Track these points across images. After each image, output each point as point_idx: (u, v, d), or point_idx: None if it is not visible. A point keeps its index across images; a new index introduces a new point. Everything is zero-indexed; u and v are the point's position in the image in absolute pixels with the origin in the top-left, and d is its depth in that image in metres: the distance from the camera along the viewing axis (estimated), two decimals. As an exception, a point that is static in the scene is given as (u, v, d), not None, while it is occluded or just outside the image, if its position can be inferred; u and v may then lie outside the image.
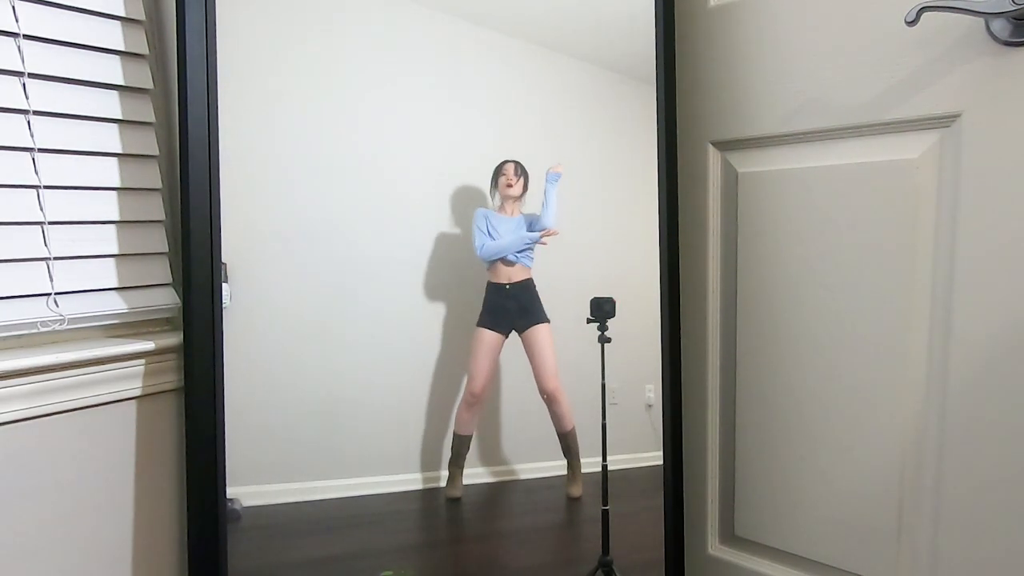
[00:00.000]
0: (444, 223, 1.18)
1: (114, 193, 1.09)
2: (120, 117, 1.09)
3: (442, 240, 1.18)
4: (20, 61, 0.97)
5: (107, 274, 1.08)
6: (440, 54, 1.19)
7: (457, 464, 1.19)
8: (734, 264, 1.28)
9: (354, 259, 1.15)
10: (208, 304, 1.05)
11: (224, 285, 1.06)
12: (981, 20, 0.96)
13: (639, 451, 1.28)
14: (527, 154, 1.22)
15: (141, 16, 1.11)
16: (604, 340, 1.23)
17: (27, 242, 0.99)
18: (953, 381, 1.04)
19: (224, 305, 1.06)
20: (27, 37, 0.98)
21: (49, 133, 1.01)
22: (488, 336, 1.19)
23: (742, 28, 1.22)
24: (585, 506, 1.24)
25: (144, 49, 1.12)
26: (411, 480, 1.18)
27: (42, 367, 0.97)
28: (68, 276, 1.04)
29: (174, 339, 1.11)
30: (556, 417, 1.22)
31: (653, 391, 1.28)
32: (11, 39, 0.97)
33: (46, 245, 1.01)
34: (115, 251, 1.09)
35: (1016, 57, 0.95)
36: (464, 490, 1.19)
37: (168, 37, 1.15)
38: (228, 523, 1.07)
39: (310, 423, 1.13)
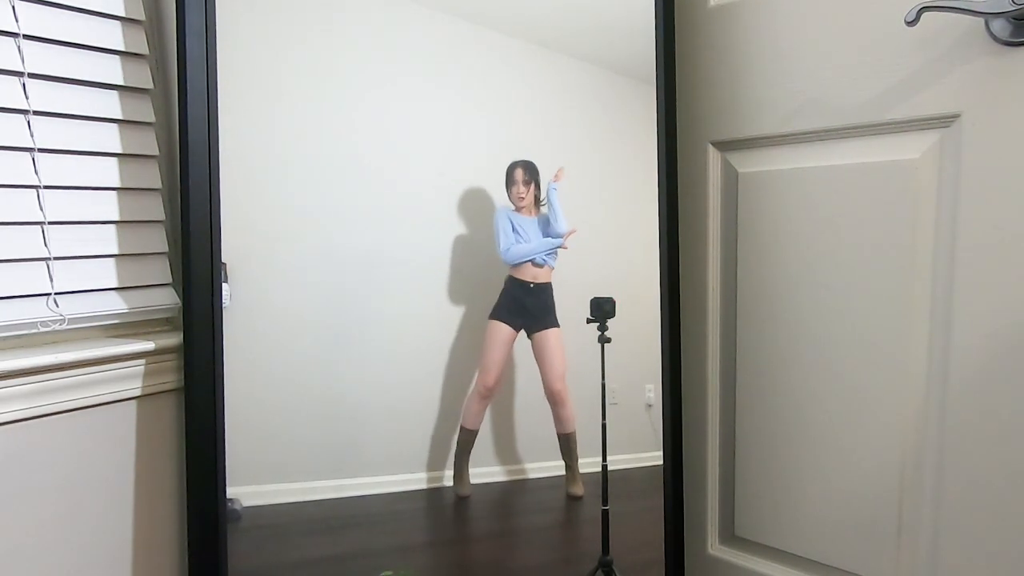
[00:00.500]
0: (444, 222, 1.18)
1: (114, 193, 1.09)
2: (120, 117, 1.09)
3: (442, 239, 1.18)
4: (20, 61, 0.97)
5: (107, 274, 1.08)
6: (440, 54, 1.19)
7: (462, 459, 1.19)
8: (734, 264, 1.28)
9: (354, 259, 1.15)
10: (208, 304, 1.05)
11: (224, 285, 1.06)
12: (981, 20, 0.96)
13: (639, 451, 1.28)
14: (527, 154, 1.22)
15: (141, 16, 1.11)
16: (604, 340, 1.23)
17: (27, 242, 0.99)
18: (953, 381, 1.04)
19: (224, 305, 1.06)
20: (27, 37, 0.98)
21: (49, 133, 1.01)
22: (504, 329, 1.19)
23: (742, 28, 1.22)
24: (585, 506, 1.24)
25: (144, 49, 1.12)
26: (411, 480, 1.18)
27: (42, 367, 0.97)
28: (68, 276, 1.03)
29: (174, 339, 1.11)
30: (560, 419, 1.22)
31: (653, 391, 1.28)
32: (11, 39, 0.97)
33: (46, 245, 1.01)
34: (115, 251, 1.09)
35: (1016, 57, 0.95)
36: (472, 488, 1.19)
37: (168, 37, 1.15)
38: (228, 523, 1.07)
39: (310, 423, 1.13)
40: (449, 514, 1.21)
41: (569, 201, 1.25)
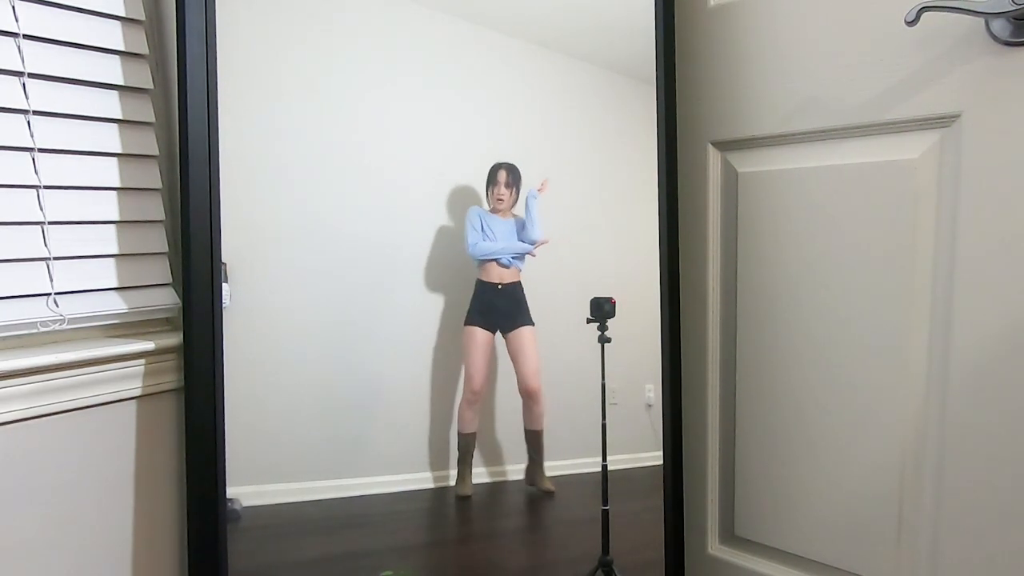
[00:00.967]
0: (444, 222, 1.18)
1: (114, 193, 1.09)
2: (120, 117, 1.09)
3: (442, 239, 1.18)
4: (20, 61, 0.97)
5: (107, 274, 1.08)
6: (440, 54, 1.19)
7: (465, 462, 1.19)
8: (734, 264, 1.28)
9: (354, 259, 1.15)
10: (208, 304, 1.05)
11: (224, 285, 1.06)
12: (981, 20, 0.96)
13: (639, 451, 1.28)
14: (527, 154, 1.22)
15: (141, 16, 1.11)
16: (604, 340, 1.23)
17: (27, 242, 0.99)
18: (953, 381, 1.04)
19: (224, 305, 1.06)
20: (27, 37, 0.98)
21: (49, 133, 1.01)
22: (481, 334, 1.20)
23: (742, 28, 1.22)
24: (585, 506, 1.24)
25: (144, 49, 1.12)
26: (411, 480, 1.18)
27: (42, 367, 0.97)
28: (68, 276, 1.03)
29: (174, 339, 1.11)
30: (533, 416, 1.22)
31: (653, 391, 1.28)
32: (11, 39, 0.97)
33: (46, 245, 1.01)
34: (115, 251, 1.09)
35: (1016, 57, 0.95)
36: (473, 488, 1.20)
37: (168, 37, 1.15)
38: (228, 523, 1.07)
39: (310, 423, 1.13)
40: (449, 514, 1.21)
41: (568, 201, 1.25)
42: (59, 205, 1.02)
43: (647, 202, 1.26)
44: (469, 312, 1.19)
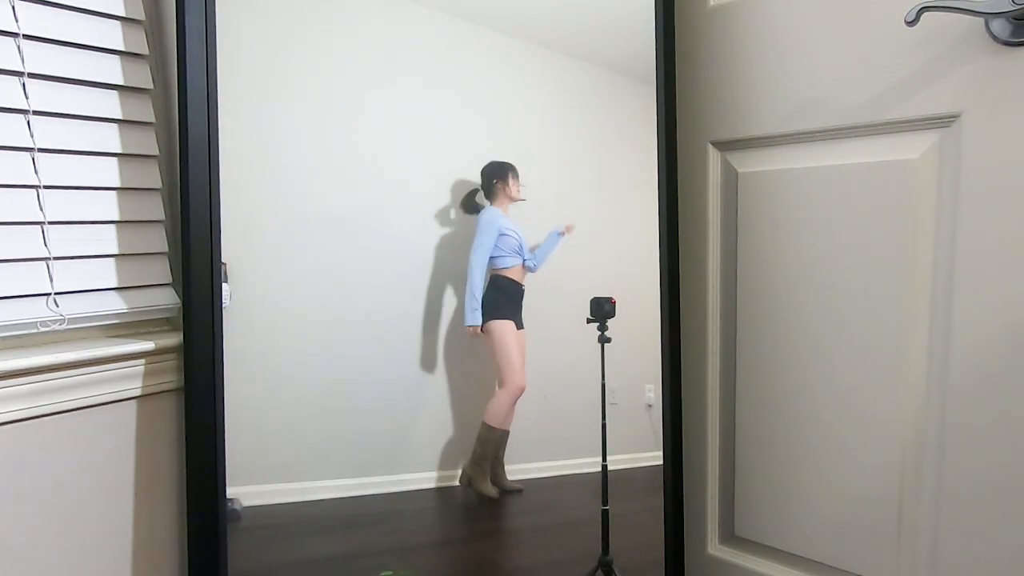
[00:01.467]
0: (444, 222, 1.18)
1: (114, 193, 1.09)
2: (120, 117, 1.09)
3: (442, 239, 1.18)
4: (20, 61, 0.97)
5: (107, 274, 1.08)
6: (440, 54, 1.19)
7: (496, 460, 1.19)
8: (734, 264, 1.28)
9: (354, 259, 1.15)
10: (208, 304, 1.05)
11: (224, 285, 1.06)
12: (981, 20, 0.96)
13: (639, 451, 1.28)
14: (527, 154, 1.22)
15: (141, 16, 1.11)
16: (604, 340, 1.23)
17: (27, 242, 0.99)
18: (953, 381, 1.04)
19: (224, 305, 1.06)
20: (27, 37, 0.98)
21: (49, 133, 1.01)
22: (514, 327, 1.20)
23: (742, 28, 1.22)
24: (585, 506, 1.24)
25: (144, 49, 1.12)
26: (411, 480, 1.18)
27: (42, 367, 0.97)
28: (68, 276, 1.03)
29: (174, 339, 1.11)
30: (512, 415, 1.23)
31: (653, 391, 1.28)
32: (11, 39, 0.97)
33: (46, 245, 1.01)
34: (115, 251, 1.09)
35: (1016, 57, 0.95)
36: (486, 485, 1.20)
37: (168, 37, 1.15)
38: (228, 523, 1.07)
39: (310, 423, 1.13)
40: (449, 514, 1.21)
41: (569, 201, 1.25)
42: (59, 205, 1.02)
43: (647, 202, 1.26)
44: (498, 307, 1.19)
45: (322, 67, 1.13)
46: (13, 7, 0.97)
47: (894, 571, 1.13)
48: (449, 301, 1.19)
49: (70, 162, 1.04)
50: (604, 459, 1.24)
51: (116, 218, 1.09)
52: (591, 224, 1.26)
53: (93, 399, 1.04)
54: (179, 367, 1.11)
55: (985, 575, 1.04)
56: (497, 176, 1.18)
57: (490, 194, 1.19)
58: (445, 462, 1.19)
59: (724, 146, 1.28)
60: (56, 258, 1.02)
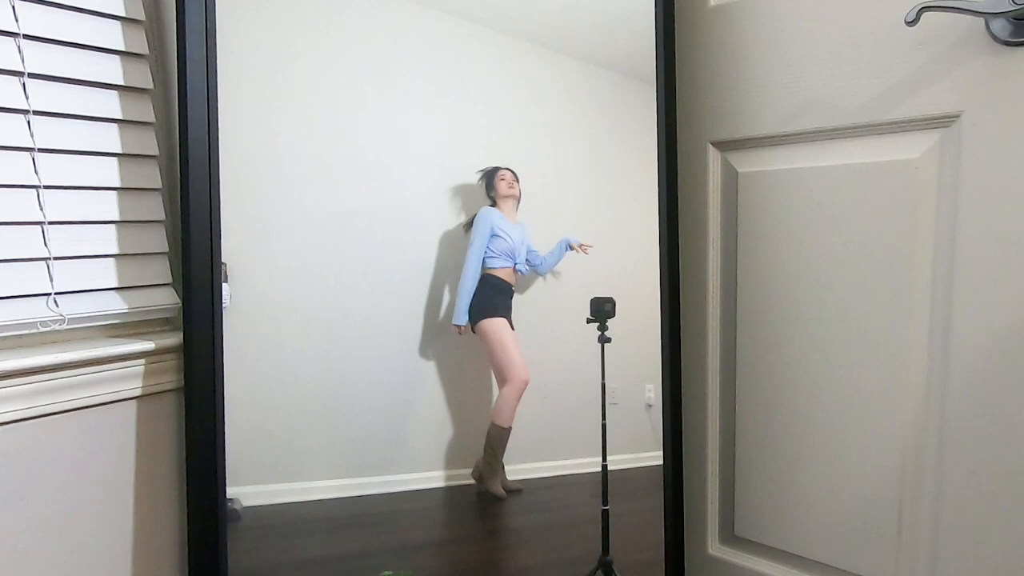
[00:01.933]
0: (444, 222, 1.18)
1: (114, 193, 1.09)
2: (120, 117, 1.09)
3: (442, 239, 1.18)
4: (20, 61, 0.97)
5: (107, 274, 1.08)
6: (440, 54, 1.19)
7: (500, 460, 1.19)
8: (734, 264, 1.28)
9: (354, 259, 1.15)
10: (208, 304, 1.05)
11: (224, 285, 1.06)
12: (981, 20, 0.96)
13: (639, 451, 1.28)
14: (526, 153, 1.22)
15: (141, 16, 1.11)
16: (604, 340, 1.23)
17: (27, 242, 0.99)
18: (953, 381, 1.04)
19: (224, 305, 1.06)
20: (27, 37, 0.98)
21: (49, 133, 1.01)
22: (507, 324, 1.20)
23: (742, 28, 1.22)
24: (585, 506, 1.24)
25: (144, 49, 1.12)
26: (411, 480, 1.18)
27: (42, 367, 0.97)
28: (68, 276, 1.03)
29: (174, 339, 1.11)
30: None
31: (653, 391, 1.28)
32: (11, 39, 0.97)
33: (46, 245, 1.01)
34: (115, 251, 1.09)
35: (1016, 57, 0.95)
36: (496, 485, 1.20)
37: (168, 37, 1.15)
38: (228, 523, 1.07)
39: (310, 423, 1.13)
40: (449, 514, 1.21)
41: (569, 202, 1.25)
42: (59, 205, 1.02)
43: (647, 202, 1.26)
44: (491, 306, 1.19)
45: (322, 67, 1.13)
46: (13, 7, 0.97)
47: (894, 571, 1.13)
48: (448, 301, 1.19)
49: (70, 162, 1.04)
50: (604, 459, 1.24)
51: (116, 218, 1.09)
52: (591, 224, 1.26)
53: (93, 399, 1.04)
54: (179, 367, 1.11)
55: (985, 575, 1.04)
56: (486, 178, 1.19)
57: (488, 196, 1.19)
58: (445, 462, 1.20)
59: (724, 146, 1.28)
60: (56, 258, 1.02)
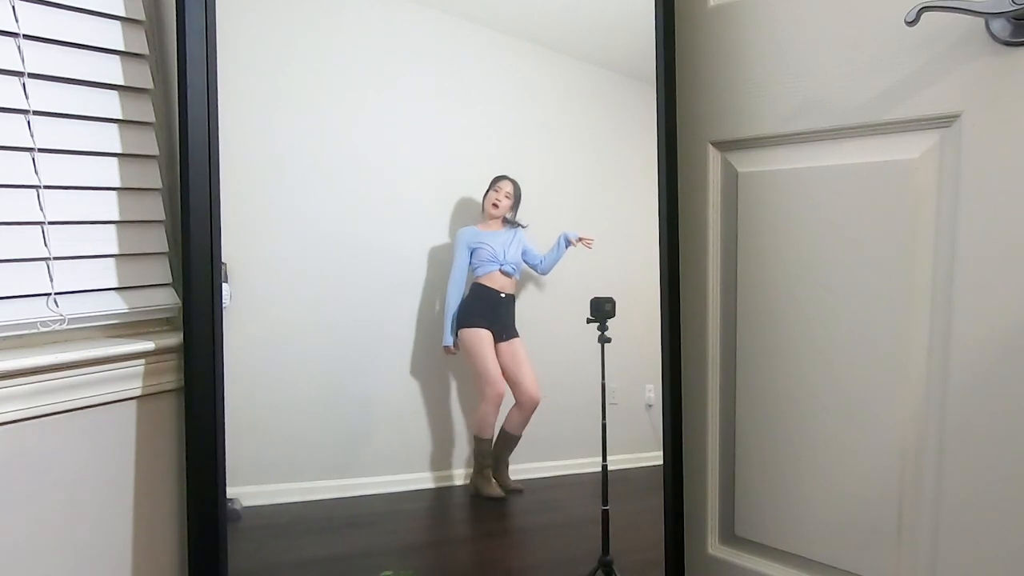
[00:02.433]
0: (444, 222, 1.18)
1: (114, 193, 1.09)
2: (120, 117, 1.09)
3: (442, 239, 1.18)
4: (20, 61, 0.97)
5: (107, 274, 1.08)
6: (441, 54, 1.19)
7: (489, 465, 1.19)
8: (734, 264, 1.28)
9: (354, 259, 1.15)
10: (208, 304, 1.05)
11: (224, 285, 1.06)
12: (981, 20, 0.96)
13: (639, 451, 1.28)
14: (526, 153, 1.22)
15: (141, 16, 1.11)
16: (604, 340, 1.23)
17: (27, 242, 0.99)
18: (953, 381, 1.04)
19: (224, 305, 1.06)
20: (27, 37, 0.98)
21: (49, 133, 1.01)
22: (488, 335, 1.20)
23: (742, 28, 1.22)
24: (585, 506, 1.24)
25: (144, 49, 1.12)
26: (411, 480, 1.18)
27: (42, 367, 0.97)
28: (68, 276, 1.03)
29: (174, 339, 1.11)
30: (524, 423, 1.22)
31: (653, 391, 1.28)
32: (11, 39, 0.97)
33: (46, 245, 1.01)
34: (115, 251, 1.09)
35: (1016, 57, 0.95)
36: (490, 488, 1.20)
37: (168, 37, 1.15)
38: (228, 523, 1.07)
39: (310, 423, 1.13)
40: (449, 514, 1.21)
41: (569, 202, 1.25)
42: (59, 205, 1.02)
43: (647, 202, 1.26)
44: (469, 315, 1.19)
45: (323, 67, 1.13)
46: (13, 7, 0.97)
47: (894, 571, 1.13)
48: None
49: (70, 162, 1.04)
50: (604, 459, 1.24)
51: (116, 218, 1.09)
52: (591, 224, 1.26)
53: (93, 399, 1.04)
54: (179, 367, 1.11)
55: (985, 575, 1.04)
56: (487, 188, 1.19)
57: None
58: (444, 462, 1.20)
59: (724, 146, 1.28)
60: (56, 258, 1.02)
